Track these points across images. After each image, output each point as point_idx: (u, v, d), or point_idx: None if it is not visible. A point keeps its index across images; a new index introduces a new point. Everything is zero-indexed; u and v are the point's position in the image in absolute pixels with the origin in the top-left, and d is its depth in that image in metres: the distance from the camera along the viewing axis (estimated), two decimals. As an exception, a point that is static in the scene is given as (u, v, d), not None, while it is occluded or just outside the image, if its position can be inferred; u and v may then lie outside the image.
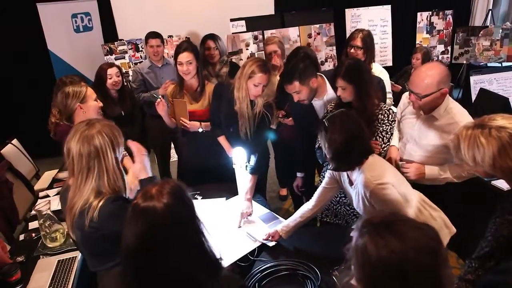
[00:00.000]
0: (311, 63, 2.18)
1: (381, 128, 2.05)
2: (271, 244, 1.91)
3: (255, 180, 2.30)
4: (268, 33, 4.56)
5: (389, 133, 2.06)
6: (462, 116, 1.82)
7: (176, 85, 2.63)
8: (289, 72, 2.14)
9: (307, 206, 1.95)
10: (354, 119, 1.65)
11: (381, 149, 2.04)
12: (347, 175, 1.76)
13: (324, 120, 1.65)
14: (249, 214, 2.15)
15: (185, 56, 2.45)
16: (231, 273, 1.07)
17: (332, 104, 2.21)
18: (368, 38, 2.79)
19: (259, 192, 2.43)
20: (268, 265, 1.73)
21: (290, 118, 2.56)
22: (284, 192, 3.76)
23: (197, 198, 2.37)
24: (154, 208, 0.91)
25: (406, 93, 2.00)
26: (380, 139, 2.06)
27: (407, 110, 2.04)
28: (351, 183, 1.75)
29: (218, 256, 1.00)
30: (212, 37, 3.22)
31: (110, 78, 2.93)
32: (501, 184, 2.16)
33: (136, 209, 0.93)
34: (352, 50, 2.91)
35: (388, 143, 2.08)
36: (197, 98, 2.60)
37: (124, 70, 4.41)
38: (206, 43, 3.19)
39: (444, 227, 1.74)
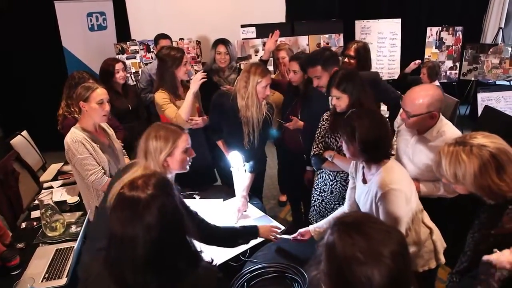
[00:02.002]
0: (336, 57, 2.40)
1: None
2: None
3: (252, 178, 2.37)
4: (270, 35, 4.62)
5: None
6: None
7: (165, 89, 2.57)
8: (313, 56, 2.39)
9: (343, 209, 1.97)
10: (381, 115, 1.70)
11: None
12: (363, 172, 1.75)
13: (351, 115, 1.65)
14: (245, 210, 2.24)
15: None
16: (210, 265, 1.11)
17: (328, 113, 2.25)
18: (362, 50, 2.84)
19: (255, 194, 2.47)
20: (258, 266, 1.77)
21: (290, 123, 2.61)
22: (283, 198, 3.79)
23: (195, 198, 2.43)
24: (139, 198, 0.96)
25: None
26: None
27: (403, 127, 2.03)
28: (364, 181, 1.73)
29: (198, 249, 1.05)
30: (224, 41, 3.21)
31: (118, 73, 3.01)
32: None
33: (121, 198, 0.98)
34: (346, 60, 2.99)
35: None
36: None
37: (134, 70, 4.51)
38: (217, 47, 3.18)
39: (432, 254, 1.74)
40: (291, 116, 2.59)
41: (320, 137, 2.24)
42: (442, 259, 1.74)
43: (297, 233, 1.94)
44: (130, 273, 0.95)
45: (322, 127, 2.24)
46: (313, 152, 2.25)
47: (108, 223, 0.98)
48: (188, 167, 1.70)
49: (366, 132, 1.56)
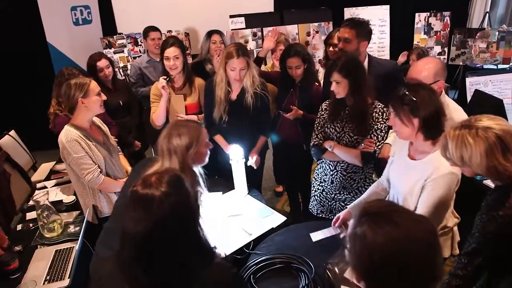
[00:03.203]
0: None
1: (375, 126, 2.07)
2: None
3: (263, 141, 2.56)
4: (266, 30, 4.59)
5: (383, 131, 2.08)
6: (457, 113, 1.87)
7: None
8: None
9: (381, 184, 1.93)
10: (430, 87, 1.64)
11: (376, 147, 2.07)
12: (409, 148, 1.70)
13: (403, 91, 1.56)
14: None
15: (172, 51, 2.48)
16: (224, 261, 1.10)
17: (327, 102, 2.24)
18: None
19: (255, 186, 2.46)
20: (262, 258, 1.76)
21: (291, 113, 2.60)
22: (280, 188, 3.80)
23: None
24: (153, 196, 0.94)
25: None
26: (375, 137, 2.08)
27: None
28: (411, 157, 1.68)
29: (212, 246, 1.04)
30: (218, 31, 3.24)
31: (101, 72, 2.92)
32: (490, 182, 2.21)
33: (135, 196, 0.96)
34: (331, 48, 3.00)
35: (383, 141, 2.10)
36: (186, 92, 2.61)
37: (122, 64, 4.41)
38: (212, 36, 3.18)
39: (449, 243, 1.76)
40: (291, 106, 2.58)
41: (319, 127, 2.24)
42: (457, 250, 1.75)
43: (335, 218, 1.92)
44: (143, 272, 0.93)
45: (322, 116, 2.23)
46: (312, 142, 2.24)
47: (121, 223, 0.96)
48: (207, 160, 1.77)
49: (428, 106, 1.49)
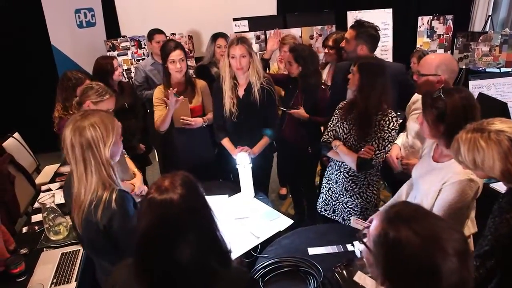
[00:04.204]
0: None
1: (379, 134, 2.05)
2: None
3: (266, 142, 2.53)
4: (270, 33, 4.59)
5: (386, 140, 2.05)
6: None
7: (164, 86, 2.58)
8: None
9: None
10: (469, 94, 1.56)
11: (373, 155, 2.03)
12: (434, 150, 1.69)
13: (440, 93, 1.53)
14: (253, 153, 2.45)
15: (178, 54, 2.45)
16: (240, 265, 1.09)
17: (344, 102, 2.26)
18: (340, 40, 2.86)
19: (261, 190, 2.45)
20: (271, 261, 1.75)
21: (295, 110, 2.60)
22: (283, 191, 3.79)
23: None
24: (171, 200, 0.93)
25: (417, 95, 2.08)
26: (376, 144, 2.05)
27: (415, 106, 2.10)
28: (435, 159, 1.67)
29: (228, 247, 1.02)
30: (223, 35, 3.22)
31: (117, 70, 2.92)
32: (499, 186, 2.20)
33: (153, 203, 0.94)
34: (326, 50, 3.04)
35: (383, 151, 2.06)
36: (189, 95, 2.60)
37: (126, 67, 4.42)
38: (217, 40, 3.16)
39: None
40: (298, 105, 2.61)
41: (331, 125, 2.26)
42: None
43: (369, 219, 1.92)
44: (161, 278, 0.92)
45: (336, 115, 2.25)
46: (323, 138, 2.28)
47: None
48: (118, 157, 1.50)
49: (457, 115, 1.46)
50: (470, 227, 1.69)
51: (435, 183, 1.60)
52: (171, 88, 2.43)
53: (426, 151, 1.78)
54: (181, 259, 0.92)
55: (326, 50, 3.09)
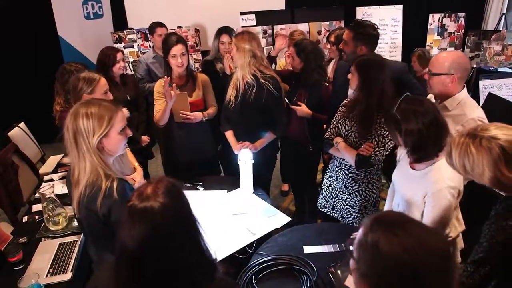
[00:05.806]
0: None
1: (379, 132, 2.03)
2: None
3: (268, 138, 2.50)
4: (277, 28, 4.56)
5: (385, 138, 2.02)
6: (471, 109, 1.85)
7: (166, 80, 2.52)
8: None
9: None
10: (428, 104, 1.54)
11: (372, 153, 2.01)
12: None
13: (394, 112, 1.55)
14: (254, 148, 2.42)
15: (179, 48, 2.42)
16: (227, 276, 1.05)
17: (348, 100, 2.23)
18: (342, 37, 2.80)
19: (261, 186, 2.44)
20: (265, 258, 1.75)
21: (297, 107, 2.57)
22: (285, 187, 3.78)
23: (199, 189, 2.39)
24: (152, 208, 0.89)
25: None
26: (375, 142, 2.03)
27: None
28: (412, 166, 1.67)
29: (214, 257, 0.99)
30: (227, 30, 3.09)
31: (118, 63, 2.90)
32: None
33: (133, 211, 0.91)
34: (328, 46, 3.00)
35: (383, 148, 2.03)
36: (190, 89, 2.57)
37: (132, 59, 4.43)
38: (221, 36, 3.06)
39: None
40: (299, 102, 2.59)
41: (334, 122, 2.24)
42: (459, 258, 1.71)
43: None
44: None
45: (339, 112, 2.23)
46: (325, 135, 2.26)
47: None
48: (123, 150, 1.51)
49: (410, 131, 1.48)
50: (457, 226, 1.69)
51: (417, 192, 1.61)
52: (165, 76, 2.39)
53: (403, 155, 1.77)
54: (163, 270, 0.89)
55: (329, 46, 3.05)
